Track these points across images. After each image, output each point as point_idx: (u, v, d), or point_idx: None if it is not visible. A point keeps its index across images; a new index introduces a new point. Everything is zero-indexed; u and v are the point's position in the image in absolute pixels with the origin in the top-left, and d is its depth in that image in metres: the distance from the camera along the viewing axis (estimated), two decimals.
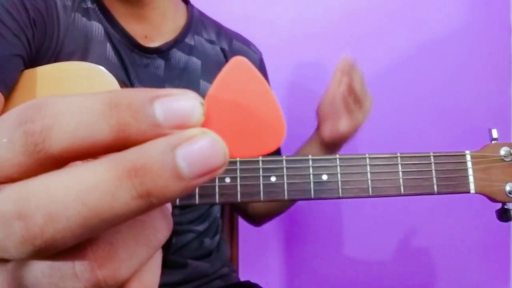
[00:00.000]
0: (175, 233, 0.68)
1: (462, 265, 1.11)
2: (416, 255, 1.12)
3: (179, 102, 0.14)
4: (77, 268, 0.14)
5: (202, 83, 0.70)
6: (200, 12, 0.77)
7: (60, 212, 0.13)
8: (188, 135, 0.14)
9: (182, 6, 0.74)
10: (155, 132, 0.14)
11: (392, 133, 1.11)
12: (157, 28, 0.68)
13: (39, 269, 0.14)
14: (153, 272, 0.17)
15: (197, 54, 0.71)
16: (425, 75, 1.12)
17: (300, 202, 1.11)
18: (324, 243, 1.13)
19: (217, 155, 0.14)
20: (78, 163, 0.16)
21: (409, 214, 1.09)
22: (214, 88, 0.16)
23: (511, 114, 1.11)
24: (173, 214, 0.67)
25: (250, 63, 0.17)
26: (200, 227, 0.71)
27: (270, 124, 0.16)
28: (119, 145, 0.14)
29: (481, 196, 0.54)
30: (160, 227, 0.16)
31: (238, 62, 0.16)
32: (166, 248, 0.66)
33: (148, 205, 0.13)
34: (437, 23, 1.12)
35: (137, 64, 0.66)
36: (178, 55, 0.69)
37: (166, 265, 0.67)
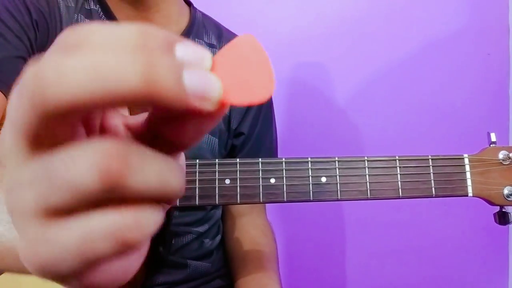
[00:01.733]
0: (174, 234, 0.68)
1: (460, 266, 1.12)
2: (414, 255, 1.12)
3: (196, 49, 0.17)
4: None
5: None
6: (203, 14, 0.76)
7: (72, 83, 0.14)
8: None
9: (186, 9, 0.74)
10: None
11: (391, 136, 1.12)
12: None
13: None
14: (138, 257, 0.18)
15: None
16: (423, 76, 1.12)
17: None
18: (323, 243, 1.13)
19: (214, 87, 0.17)
20: None
21: (406, 214, 1.09)
22: (220, 51, 0.19)
23: (509, 114, 1.12)
24: (173, 216, 0.67)
25: (257, 41, 0.19)
26: (200, 229, 0.72)
27: (263, 78, 0.19)
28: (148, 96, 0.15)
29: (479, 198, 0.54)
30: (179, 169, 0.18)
31: (246, 37, 0.19)
32: (166, 248, 0.67)
33: (147, 96, 0.14)
34: (436, 24, 1.12)
35: None
36: None
37: (167, 265, 0.68)
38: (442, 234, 1.11)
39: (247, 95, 0.18)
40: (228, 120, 0.72)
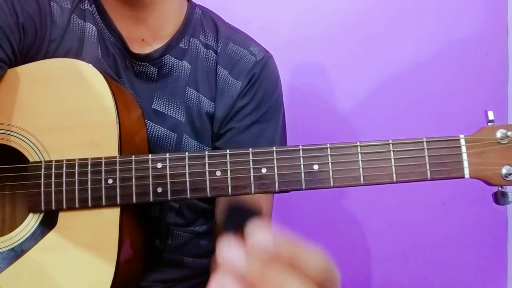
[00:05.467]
0: (171, 233, 0.67)
1: (459, 265, 1.11)
2: (413, 255, 1.12)
3: None
4: None
5: (188, 90, 0.65)
6: (203, 11, 0.71)
7: None
8: None
9: (184, 5, 0.69)
10: None
11: (389, 135, 1.13)
12: (156, 31, 0.65)
13: None
14: None
15: (189, 59, 0.67)
16: (422, 77, 1.12)
17: (300, 200, 1.11)
18: (322, 242, 1.13)
19: None
20: None
21: (406, 213, 1.09)
22: None
23: (508, 115, 1.10)
24: (169, 215, 0.66)
25: None
26: (198, 229, 0.70)
27: None
28: None
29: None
30: None
31: None
32: (162, 244, 0.66)
33: None
34: (435, 24, 1.12)
35: (129, 71, 0.64)
36: (171, 61, 0.65)
37: (163, 263, 0.67)
38: (441, 234, 1.09)
39: None
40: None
